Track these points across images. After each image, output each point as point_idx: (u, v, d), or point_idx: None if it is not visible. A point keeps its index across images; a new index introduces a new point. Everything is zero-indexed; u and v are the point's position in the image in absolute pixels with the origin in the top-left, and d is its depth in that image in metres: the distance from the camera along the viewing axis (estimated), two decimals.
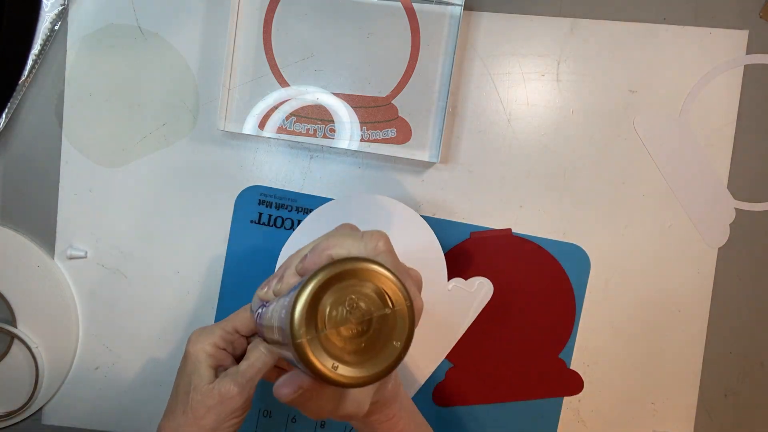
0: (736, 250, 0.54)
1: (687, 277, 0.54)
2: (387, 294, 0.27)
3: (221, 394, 0.40)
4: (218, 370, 0.43)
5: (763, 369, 0.55)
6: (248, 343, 0.45)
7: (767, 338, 0.54)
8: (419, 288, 0.35)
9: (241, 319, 0.44)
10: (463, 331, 0.49)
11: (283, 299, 0.30)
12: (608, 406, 0.55)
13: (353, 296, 0.26)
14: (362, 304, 0.26)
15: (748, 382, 0.55)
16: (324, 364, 0.26)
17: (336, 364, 0.26)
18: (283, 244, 0.53)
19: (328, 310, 0.26)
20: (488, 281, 0.51)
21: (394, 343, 0.27)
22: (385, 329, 0.27)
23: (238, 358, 0.44)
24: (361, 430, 0.41)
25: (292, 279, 0.35)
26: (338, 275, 0.26)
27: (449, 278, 0.49)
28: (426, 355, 0.48)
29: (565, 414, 0.55)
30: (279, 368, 0.47)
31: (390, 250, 0.32)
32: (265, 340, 0.39)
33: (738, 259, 0.54)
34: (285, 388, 0.30)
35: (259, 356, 0.42)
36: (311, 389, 0.30)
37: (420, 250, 0.49)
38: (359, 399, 0.34)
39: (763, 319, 0.54)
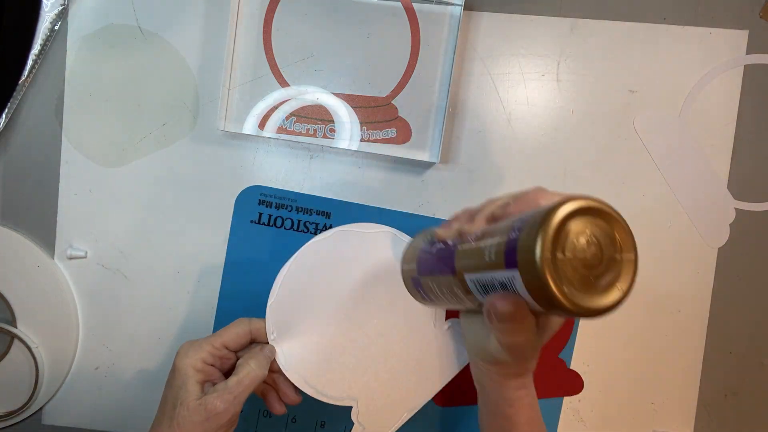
0: (736, 250, 0.54)
1: (687, 277, 0.54)
2: (618, 241, 0.28)
3: (207, 411, 0.40)
4: (206, 385, 0.43)
5: (763, 369, 0.55)
6: (237, 359, 0.45)
7: (767, 338, 0.54)
8: None
9: (230, 335, 0.44)
10: (454, 374, 0.49)
11: (497, 226, 0.31)
12: (608, 406, 0.55)
13: (592, 232, 0.28)
14: (599, 243, 0.28)
15: (748, 382, 0.55)
16: (558, 285, 0.26)
17: (567, 288, 0.26)
18: (283, 245, 0.53)
19: (569, 237, 0.27)
20: None
21: (618, 287, 0.28)
22: (612, 272, 0.28)
23: (227, 373, 0.44)
24: (495, 394, 0.40)
25: (483, 223, 0.35)
26: (587, 209, 0.27)
27: (446, 317, 0.49)
28: (414, 391, 0.48)
29: (565, 414, 0.55)
30: (267, 384, 0.47)
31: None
32: (434, 272, 0.38)
33: (738, 259, 0.54)
34: (502, 301, 0.30)
35: (248, 372, 0.42)
36: (523, 312, 0.30)
37: None
38: (537, 345, 0.35)
39: (763, 319, 0.54)
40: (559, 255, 0.27)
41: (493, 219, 0.34)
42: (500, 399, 0.40)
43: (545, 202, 0.31)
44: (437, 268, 0.37)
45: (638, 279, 0.56)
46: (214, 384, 0.42)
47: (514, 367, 0.38)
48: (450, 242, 0.36)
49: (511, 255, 0.28)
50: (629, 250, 0.28)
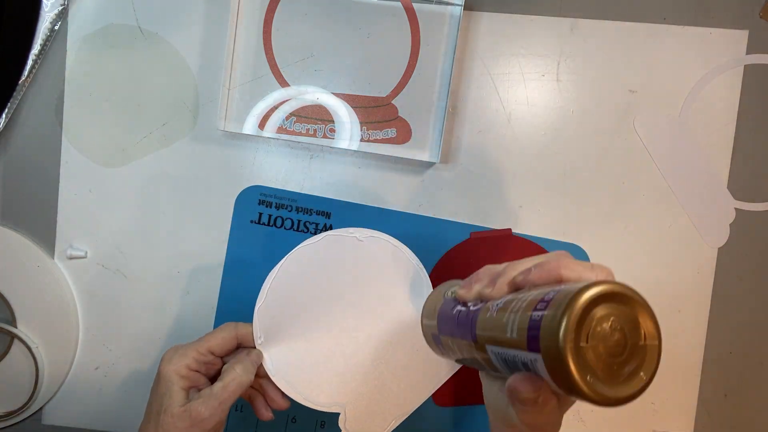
0: (736, 250, 0.54)
1: (687, 277, 0.54)
2: (642, 326, 0.27)
3: (192, 417, 0.40)
4: (191, 391, 0.42)
5: (763, 369, 0.55)
6: (223, 364, 0.45)
7: (767, 338, 0.54)
8: None
9: (216, 340, 0.44)
10: (443, 381, 0.48)
11: (519, 300, 0.30)
12: None
13: (616, 318, 0.27)
14: (623, 329, 0.27)
15: (748, 382, 0.55)
16: (582, 374, 0.26)
17: (591, 378, 0.26)
18: (283, 245, 0.53)
19: (593, 324, 0.26)
20: None
21: (642, 374, 0.27)
22: (635, 359, 0.27)
23: (213, 379, 0.44)
24: None
25: (505, 288, 0.34)
26: (611, 294, 0.27)
27: None
28: (403, 397, 0.47)
29: (565, 414, 0.55)
30: (254, 389, 0.47)
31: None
32: (455, 336, 0.37)
33: (738, 259, 0.54)
34: (526, 385, 0.30)
35: (233, 378, 0.42)
36: (545, 397, 0.30)
37: (411, 291, 0.47)
38: (558, 420, 0.34)
39: (763, 319, 0.54)
40: (583, 343, 0.26)
41: (514, 285, 0.34)
42: None
43: (567, 273, 0.31)
44: (458, 331, 0.37)
45: (638, 279, 0.57)
46: (199, 390, 0.42)
47: None
48: (471, 306, 0.36)
49: (534, 339, 0.28)
50: (653, 336, 0.27)
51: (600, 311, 0.27)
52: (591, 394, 0.26)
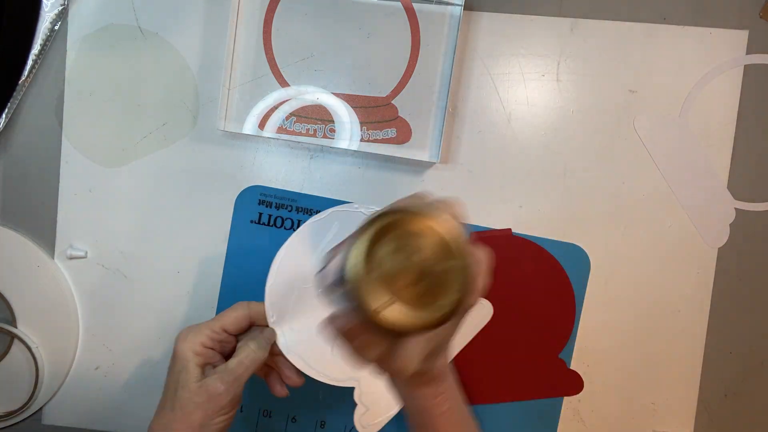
0: (736, 250, 0.54)
1: (687, 277, 0.54)
2: (449, 247, 0.27)
3: (208, 392, 0.41)
4: (206, 368, 0.43)
5: (763, 369, 0.55)
6: (237, 342, 0.45)
7: (767, 338, 0.54)
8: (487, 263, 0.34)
9: (229, 318, 0.45)
10: (456, 352, 0.49)
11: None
12: (608, 406, 0.55)
13: (413, 244, 0.27)
14: (421, 254, 0.26)
15: (748, 382, 0.55)
16: (371, 304, 0.26)
17: (386, 306, 0.26)
18: (283, 245, 0.53)
19: (386, 254, 0.26)
20: (488, 303, 0.50)
21: (450, 296, 0.27)
22: (444, 282, 0.27)
23: (227, 357, 0.44)
24: (409, 404, 0.40)
25: None
26: (400, 221, 0.26)
27: None
28: None
29: (565, 414, 0.55)
30: (268, 366, 0.47)
31: (459, 216, 0.31)
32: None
33: (738, 259, 0.54)
34: (337, 321, 0.31)
35: (248, 354, 0.43)
36: (362, 330, 0.31)
37: None
38: (408, 355, 0.34)
39: (763, 319, 0.54)
40: (375, 274, 0.26)
41: None
42: (419, 409, 0.40)
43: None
44: (328, 290, 0.38)
45: (638, 279, 0.56)
46: (214, 367, 0.43)
47: (417, 377, 0.37)
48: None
49: (343, 280, 0.28)
50: (461, 255, 0.27)
51: (393, 241, 0.26)
52: (383, 322, 0.26)
